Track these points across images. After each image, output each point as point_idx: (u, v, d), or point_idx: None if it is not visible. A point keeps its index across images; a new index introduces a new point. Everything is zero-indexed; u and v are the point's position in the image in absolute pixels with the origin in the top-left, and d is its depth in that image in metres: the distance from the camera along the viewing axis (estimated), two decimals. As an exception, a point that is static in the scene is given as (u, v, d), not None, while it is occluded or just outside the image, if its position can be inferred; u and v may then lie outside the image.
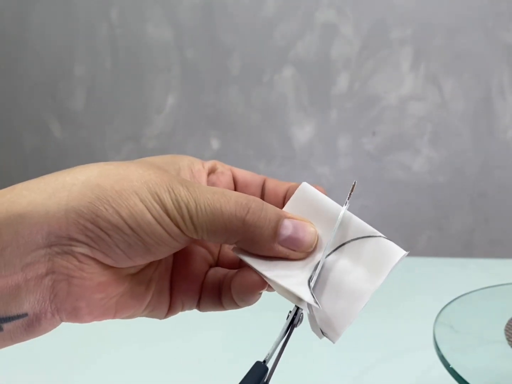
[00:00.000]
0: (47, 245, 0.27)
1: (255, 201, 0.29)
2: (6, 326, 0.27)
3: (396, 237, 1.18)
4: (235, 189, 0.34)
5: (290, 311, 0.29)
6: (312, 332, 0.31)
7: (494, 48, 1.11)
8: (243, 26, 1.16)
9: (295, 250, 0.29)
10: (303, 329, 0.30)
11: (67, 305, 0.27)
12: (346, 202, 0.30)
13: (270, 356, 0.27)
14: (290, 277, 0.28)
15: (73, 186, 0.27)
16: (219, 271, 0.33)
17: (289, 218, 0.30)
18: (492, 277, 0.73)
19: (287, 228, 0.29)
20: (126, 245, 0.27)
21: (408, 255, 0.30)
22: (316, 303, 0.27)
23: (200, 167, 0.33)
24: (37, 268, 0.27)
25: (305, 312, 0.29)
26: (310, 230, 0.30)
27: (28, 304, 0.27)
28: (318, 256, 0.30)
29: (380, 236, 0.30)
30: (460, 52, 1.12)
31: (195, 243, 0.33)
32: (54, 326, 0.28)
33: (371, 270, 0.29)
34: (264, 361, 0.27)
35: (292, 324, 0.28)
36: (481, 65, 1.12)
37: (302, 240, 0.29)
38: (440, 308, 0.57)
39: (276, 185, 0.34)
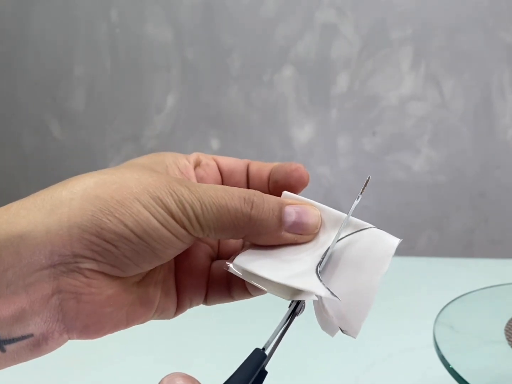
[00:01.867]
0: (51, 265, 0.26)
1: (256, 195, 0.29)
2: (9, 347, 0.26)
3: (396, 237, 1.18)
4: (222, 179, 0.35)
5: (293, 300, 0.29)
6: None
7: (494, 48, 1.11)
8: (243, 26, 1.16)
9: (302, 234, 0.30)
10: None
11: (78, 324, 0.27)
12: (359, 197, 0.31)
13: (269, 343, 0.27)
14: (298, 276, 0.28)
15: (72, 200, 0.27)
16: (225, 264, 0.33)
17: (290, 204, 0.30)
18: (492, 277, 0.73)
19: (291, 215, 0.30)
20: (134, 254, 0.27)
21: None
22: (334, 295, 0.27)
23: (185, 163, 0.33)
24: (41, 288, 0.26)
25: (313, 305, 0.29)
26: (312, 212, 0.31)
27: (34, 326, 0.26)
28: (320, 251, 0.30)
29: (372, 227, 0.30)
30: (460, 52, 1.12)
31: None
32: (61, 345, 0.28)
33: (373, 260, 0.29)
34: (263, 349, 0.26)
35: (294, 312, 0.28)
36: (481, 65, 1.12)
37: (306, 223, 0.30)
38: (440, 308, 0.57)
39: (259, 168, 0.34)
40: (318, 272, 0.29)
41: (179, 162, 0.33)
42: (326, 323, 0.30)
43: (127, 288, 0.29)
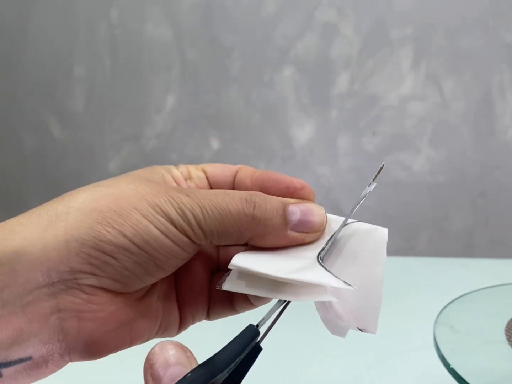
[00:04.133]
0: (49, 282, 0.25)
1: (257, 195, 0.28)
2: (7, 371, 0.25)
3: (396, 237, 1.18)
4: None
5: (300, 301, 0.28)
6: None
7: (494, 48, 1.11)
8: (243, 26, 1.16)
9: (308, 232, 0.29)
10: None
11: (80, 343, 0.26)
12: (370, 183, 0.30)
13: (264, 321, 0.26)
14: (302, 270, 0.27)
15: (68, 214, 0.26)
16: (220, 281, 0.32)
17: (293, 203, 0.29)
18: (492, 277, 0.73)
19: (295, 213, 0.29)
20: (135, 265, 0.26)
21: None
22: (348, 284, 0.26)
23: (177, 173, 0.32)
24: (39, 308, 0.25)
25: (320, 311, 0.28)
26: (317, 210, 0.30)
27: (32, 348, 0.25)
28: (320, 248, 0.29)
29: (356, 221, 0.30)
30: (460, 52, 1.11)
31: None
32: (61, 367, 0.27)
33: (370, 252, 0.29)
34: (257, 325, 0.26)
35: None
36: (481, 65, 1.12)
37: (312, 221, 0.29)
38: (440, 308, 0.57)
39: (243, 176, 0.32)
40: (321, 262, 0.28)
41: (172, 173, 0.32)
42: (335, 326, 0.29)
43: (130, 304, 0.28)
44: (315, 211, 0.30)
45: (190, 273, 0.31)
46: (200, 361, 0.24)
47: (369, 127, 1.16)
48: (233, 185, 0.32)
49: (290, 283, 0.27)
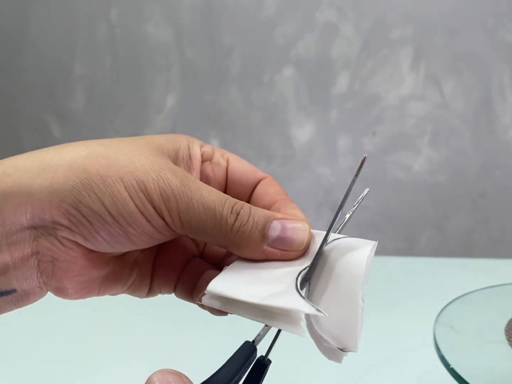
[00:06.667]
0: (32, 226, 0.27)
1: (243, 207, 0.28)
2: None
3: (396, 237, 1.18)
4: (225, 184, 0.33)
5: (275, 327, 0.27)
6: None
7: (494, 48, 1.11)
8: (243, 26, 1.16)
9: (286, 250, 0.28)
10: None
11: (52, 283, 0.28)
12: (354, 179, 0.29)
13: (260, 337, 0.26)
14: (278, 295, 0.26)
15: (59, 167, 0.27)
16: (201, 265, 0.32)
17: (279, 219, 0.29)
18: (492, 277, 0.73)
19: (275, 229, 0.28)
20: (107, 233, 0.27)
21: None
22: (319, 310, 0.25)
23: (197, 150, 0.32)
24: (22, 248, 0.27)
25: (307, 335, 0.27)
26: (300, 227, 0.29)
27: (16, 281, 0.27)
28: (299, 268, 0.28)
29: (346, 237, 0.29)
30: (460, 52, 1.12)
31: None
32: (42, 297, 0.29)
33: (350, 268, 0.28)
34: (253, 341, 0.26)
35: None
36: (481, 65, 1.12)
37: (291, 238, 0.28)
38: (440, 308, 0.57)
39: (262, 192, 0.32)
40: (299, 289, 0.27)
41: (192, 147, 0.32)
42: (330, 351, 0.28)
43: (104, 262, 0.29)
44: (296, 229, 0.29)
45: (172, 248, 0.32)
46: None
47: (369, 127, 1.16)
48: (251, 194, 0.32)
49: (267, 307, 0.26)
